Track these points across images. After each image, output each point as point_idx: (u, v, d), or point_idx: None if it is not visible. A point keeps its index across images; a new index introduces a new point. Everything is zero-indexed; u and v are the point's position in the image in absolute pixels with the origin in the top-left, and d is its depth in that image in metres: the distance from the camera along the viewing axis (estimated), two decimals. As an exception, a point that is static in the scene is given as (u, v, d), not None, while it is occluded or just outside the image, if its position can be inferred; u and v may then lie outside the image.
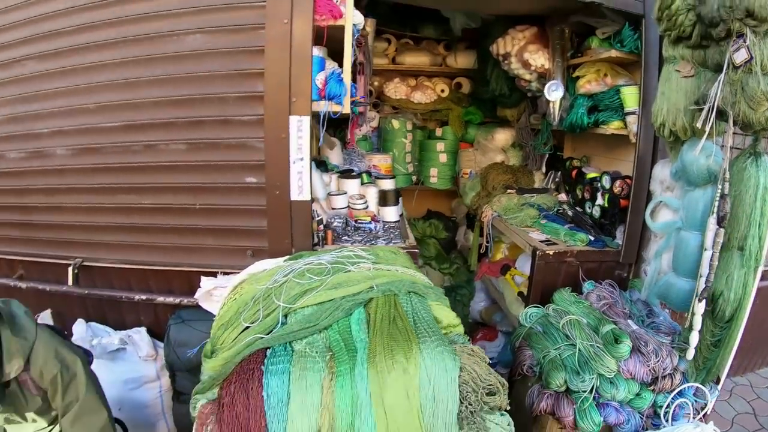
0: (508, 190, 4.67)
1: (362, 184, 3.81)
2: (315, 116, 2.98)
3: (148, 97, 3.05)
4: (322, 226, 3.18)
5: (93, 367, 2.45)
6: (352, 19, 2.91)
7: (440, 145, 5.60)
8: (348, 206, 3.62)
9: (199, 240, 3.17)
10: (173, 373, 3.22)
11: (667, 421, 2.80)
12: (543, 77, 4.08)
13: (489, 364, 2.07)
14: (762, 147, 2.47)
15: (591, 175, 3.98)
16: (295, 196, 2.96)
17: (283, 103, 2.86)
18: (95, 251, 3.33)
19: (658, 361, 2.72)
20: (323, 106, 2.90)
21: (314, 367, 1.88)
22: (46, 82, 3.26)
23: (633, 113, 3.41)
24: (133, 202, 3.19)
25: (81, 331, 3.31)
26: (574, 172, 4.28)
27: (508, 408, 2.05)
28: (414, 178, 5.76)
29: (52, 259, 3.41)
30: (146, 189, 3.16)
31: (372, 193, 3.73)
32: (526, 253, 3.96)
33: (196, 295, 2.94)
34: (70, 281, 3.33)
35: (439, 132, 5.73)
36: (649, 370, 2.72)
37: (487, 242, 4.60)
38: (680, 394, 2.81)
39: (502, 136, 5.23)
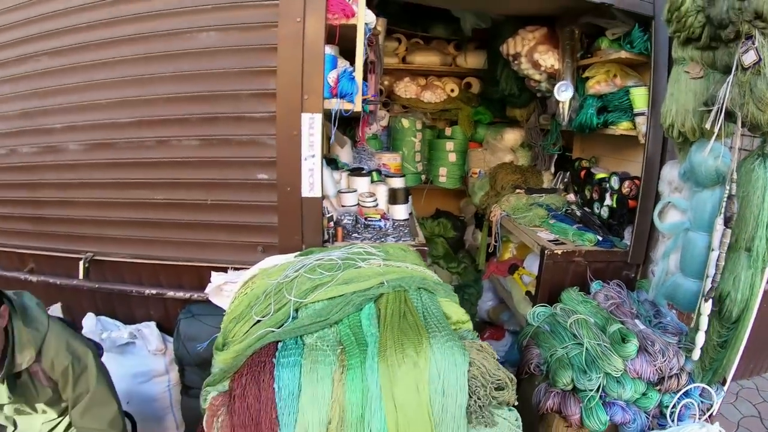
0: (517, 190, 4.68)
1: (372, 182, 3.83)
2: (326, 114, 3.00)
3: (162, 94, 3.07)
4: (332, 223, 3.19)
5: (102, 360, 2.48)
6: (365, 18, 2.93)
7: (449, 145, 5.60)
8: (358, 204, 3.65)
9: (211, 235, 3.19)
10: (182, 367, 3.25)
11: (672, 421, 2.80)
12: (553, 78, 4.09)
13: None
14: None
15: (600, 175, 3.98)
16: (306, 192, 2.99)
17: (295, 100, 2.88)
18: (106, 245, 3.36)
19: (665, 360, 2.73)
20: (335, 104, 2.92)
21: (325, 360, 1.90)
22: (59, 78, 3.29)
23: (642, 114, 3.41)
24: (145, 197, 3.21)
25: (90, 324, 3.34)
26: (582, 173, 4.28)
27: (516, 404, 2.07)
28: (423, 177, 5.77)
29: (63, 253, 3.43)
30: (158, 184, 3.18)
31: (382, 191, 3.74)
32: (534, 253, 3.97)
33: (207, 290, 2.95)
34: (80, 275, 3.36)
35: (448, 131, 5.73)
36: (656, 369, 2.73)
37: (496, 242, 4.60)
38: (686, 394, 2.81)
39: (512, 136, 5.24)
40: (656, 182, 3.29)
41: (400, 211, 3.71)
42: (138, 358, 3.32)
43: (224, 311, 2.52)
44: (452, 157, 5.61)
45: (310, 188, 2.98)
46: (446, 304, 2.30)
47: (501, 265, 4.70)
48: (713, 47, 2.56)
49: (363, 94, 3.06)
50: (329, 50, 2.91)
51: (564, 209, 4.25)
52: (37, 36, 3.31)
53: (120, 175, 3.23)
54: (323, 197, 3.08)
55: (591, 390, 2.73)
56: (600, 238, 3.62)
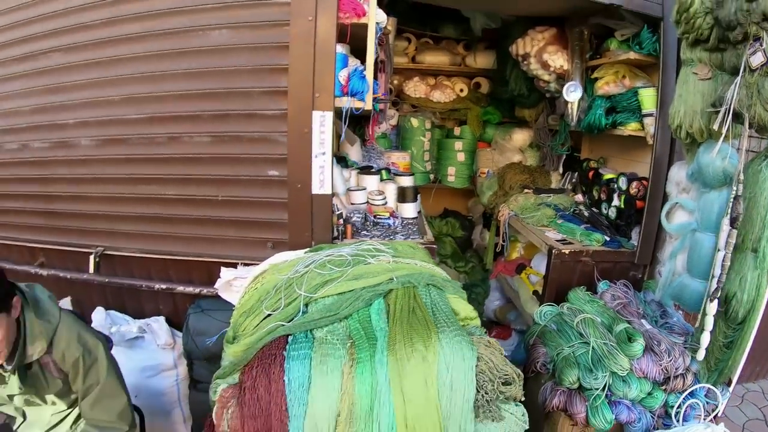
0: (525, 190, 4.70)
1: (381, 180, 3.84)
2: (337, 112, 3.02)
3: (174, 90, 3.09)
4: (341, 220, 3.20)
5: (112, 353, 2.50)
6: (376, 17, 2.95)
7: (458, 144, 5.62)
8: (367, 202, 3.66)
9: (221, 231, 3.20)
10: (191, 361, 3.26)
11: (678, 421, 2.80)
12: (562, 78, 4.10)
13: (504, 358, 2.11)
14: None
15: (608, 176, 4.00)
16: (316, 189, 3.00)
17: (306, 98, 2.90)
18: (117, 240, 3.38)
19: (671, 360, 2.73)
20: (346, 102, 2.93)
21: (335, 353, 1.92)
22: (72, 74, 3.31)
23: (650, 115, 3.42)
24: (157, 192, 3.23)
25: (100, 318, 3.36)
26: (591, 173, 4.29)
27: (523, 399, 2.09)
28: (432, 176, 5.79)
29: (74, 247, 3.45)
30: (170, 180, 3.20)
31: (391, 190, 3.75)
32: (541, 253, 3.98)
33: (216, 285, 2.97)
34: (91, 269, 3.38)
35: (457, 131, 5.74)
36: (662, 369, 2.73)
37: (503, 241, 4.61)
38: (692, 394, 2.81)
39: (520, 137, 5.26)
40: (664, 183, 3.29)
41: (409, 210, 3.72)
42: (147, 352, 3.34)
43: (233, 306, 2.54)
44: (461, 157, 5.63)
45: (320, 185, 2.99)
46: (455, 301, 2.31)
47: (508, 264, 4.71)
48: (721, 49, 2.57)
49: (373, 93, 3.07)
50: (340, 49, 2.93)
51: (572, 209, 4.26)
52: (51, 33, 3.33)
53: (131, 171, 3.25)
54: (333, 194, 3.09)
55: (597, 389, 2.74)
56: (607, 239, 3.63)
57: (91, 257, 3.36)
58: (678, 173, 3.13)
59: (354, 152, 4.16)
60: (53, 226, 3.52)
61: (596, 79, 3.83)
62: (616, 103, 3.72)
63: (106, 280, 3.42)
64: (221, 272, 2.97)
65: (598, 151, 4.57)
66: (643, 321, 3.01)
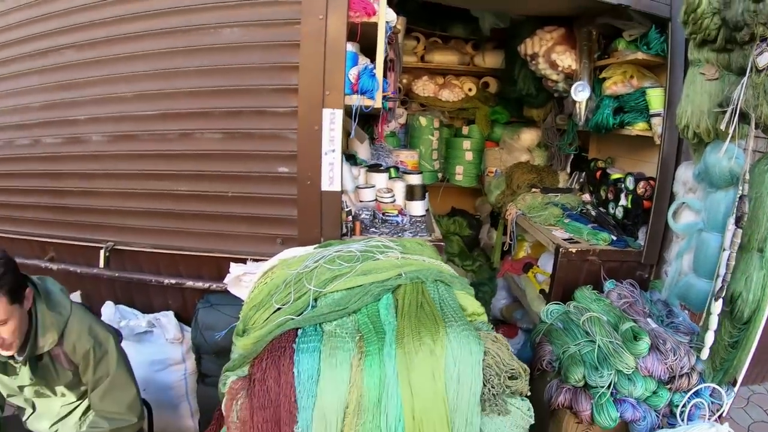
0: (533, 189, 4.71)
1: (390, 178, 3.86)
2: (347, 110, 3.04)
3: (185, 87, 3.11)
4: (350, 217, 3.22)
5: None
6: (385, 16, 2.97)
7: (466, 144, 5.63)
8: (376, 199, 3.68)
9: (231, 227, 3.23)
10: (199, 355, 3.29)
11: (682, 420, 2.80)
12: (570, 78, 4.11)
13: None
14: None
15: (615, 176, 4.00)
16: (325, 186, 3.02)
17: (316, 96, 2.92)
18: (127, 235, 3.40)
19: (676, 359, 2.73)
20: (355, 100, 2.96)
21: (344, 346, 1.95)
22: (84, 71, 3.34)
23: (658, 115, 3.42)
24: (168, 188, 3.25)
25: (109, 313, 3.39)
26: (598, 173, 4.30)
27: (529, 394, 2.11)
28: (440, 175, 5.81)
29: (85, 242, 3.48)
30: (181, 176, 3.22)
31: (399, 188, 3.77)
32: (548, 252, 4.00)
33: (226, 280, 2.97)
34: (101, 264, 3.40)
35: (465, 130, 5.75)
36: (667, 368, 2.73)
37: (511, 240, 4.63)
38: (697, 394, 2.82)
39: (528, 136, 5.27)
40: (671, 183, 3.29)
41: (417, 208, 3.74)
42: (155, 346, 3.37)
43: (242, 301, 2.56)
44: (469, 156, 5.63)
45: (329, 182, 3.02)
46: (462, 297, 2.33)
47: (516, 263, 4.72)
48: (728, 49, 2.58)
49: (383, 91, 3.09)
50: (350, 47, 2.95)
51: (579, 209, 4.27)
52: (64, 30, 3.37)
53: (143, 167, 3.28)
54: (342, 192, 3.11)
55: (602, 387, 2.75)
56: (614, 238, 3.63)
57: (102, 252, 3.39)
58: (685, 173, 3.13)
59: (363, 150, 4.18)
60: (64, 221, 3.54)
61: (604, 79, 3.83)
62: (624, 103, 3.72)
63: (116, 274, 3.44)
64: (231, 268, 2.97)
65: (605, 150, 4.57)
66: (648, 320, 3.01)
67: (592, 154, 4.78)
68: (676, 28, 3.11)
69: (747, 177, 2.43)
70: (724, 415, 2.89)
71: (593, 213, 4.08)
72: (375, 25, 2.96)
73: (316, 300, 2.27)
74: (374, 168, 3.91)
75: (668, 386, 2.80)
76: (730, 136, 2.47)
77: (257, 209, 3.17)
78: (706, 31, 2.58)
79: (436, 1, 4.15)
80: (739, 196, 2.46)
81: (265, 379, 1.90)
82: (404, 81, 5.59)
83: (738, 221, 2.46)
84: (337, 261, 2.45)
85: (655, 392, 2.80)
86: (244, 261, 3.09)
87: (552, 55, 4.11)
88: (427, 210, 3.85)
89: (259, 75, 3.02)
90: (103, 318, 3.30)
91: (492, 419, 1.99)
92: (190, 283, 3.36)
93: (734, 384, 2.87)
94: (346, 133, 3.20)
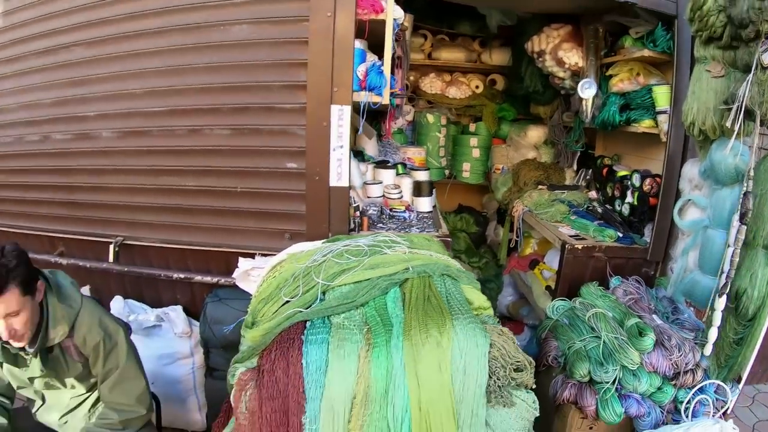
0: (540, 186, 4.71)
1: (397, 174, 3.88)
2: (355, 106, 3.05)
3: (194, 84, 3.13)
4: (358, 213, 3.24)
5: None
6: (393, 13, 2.98)
7: (473, 141, 5.65)
8: (383, 195, 3.70)
9: (239, 222, 3.24)
10: (207, 349, 3.31)
11: (687, 416, 2.81)
12: (576, 75, 4.12)
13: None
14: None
15: (621, 173, 4.01)
16: (333, 182, 3.04)
17: (325, 92, 2.94)
18: (137, 230, 3.42)
19: (681, 355, 2.74)
20: (363, 97, 2.97)
21: (352, 338, 1.97)
22: (94, 68, 3.36)
23: (664, 112, 3.43)
24: (177, 183, 3.27)
25: (118, 307, 3.41)
26: (604, 170, 4.31)
27: (534, 387, 2.13)
28: (447, 172, 5.83)
29: (94, 237, 3.50)
30: (190, 171, 3.24)
31: (406, 184, 3.79)
32: (554, 248, 4.00)
33: (234, 275, 3.02)
34: (110, 258, 3.43)
35: (472, 127, 5.78)
36: (672, 364, 2.74)
37: (517, 237, 4.64)
38: (701, 390, 2.82)
39: (535, 133, 5.29)
40: (677, 180, 3.30)
41: (425, 204, 3.76)
42: (164, 340, 3.38)
43: (250, 296, 2.59)
44: (476, 153, 5.65)
45: (337, 178, 3.03)
46: (468, 291, 2.36)
47: (522, 260, 4.73)
48: (734, 46, 2.58)
49: (390, 88, 3.10)
50: (358, 44, 2.97)
51: (585, 206, 4.28)
52: (74, 27, 3.39)
53: (152, 162, 3.29)
54: (350, 187, 3.13)
55: (607, 382, 2.76)
56: (620, 235, 3.64)
57: (111, 246, 3.41)
58: (691, 170, 3.14)
59: (370, 147, 4.19)
60: (74, 216, 3.56)
61: (611, 76, 3.84)
62: (630, 100, 3.73)
63: (125, 269, 3.47)
64: (239, 262, 3.01)
65: (612, 148, 4.58)
66: (654, 316, 3.02)
67: (598, 152, 4.79)
68: (683, 25, 3.12)
69: (752, 174, 2.44)
70: (728, 412, 2.89)
71: (599, 210, 4.09)
72: (383, 22, 2.96)
73: (324, 293, 2.29)
74: (382, 164, 3.94)
75: (673, 382, 2.80)
76: (735, 133, 2.48)
77: (266, 204, 3.18)
78: (712, 28, 2.58)
79: (443, -2, 4.16)
80: (743, 192, 2.47)
81: (274, 369, 1.93)
82: (411, 78, 5.61)
83: (742, 218, 2.47)
84: (345, 255, 2.47)
85: (659, 388, 2.81)
86: (252, 256, 3.12)
87: (559, 52, 4.12)
88: (434, 206, 3.87)
89: (267, 72, 3.03)
90: (112, 312, 3.30)
91: (497, 411, 2.02)
92: (198, 278, 3.39)
93: (739, 381, 2.87)
94: (354, 130, 3.21)
